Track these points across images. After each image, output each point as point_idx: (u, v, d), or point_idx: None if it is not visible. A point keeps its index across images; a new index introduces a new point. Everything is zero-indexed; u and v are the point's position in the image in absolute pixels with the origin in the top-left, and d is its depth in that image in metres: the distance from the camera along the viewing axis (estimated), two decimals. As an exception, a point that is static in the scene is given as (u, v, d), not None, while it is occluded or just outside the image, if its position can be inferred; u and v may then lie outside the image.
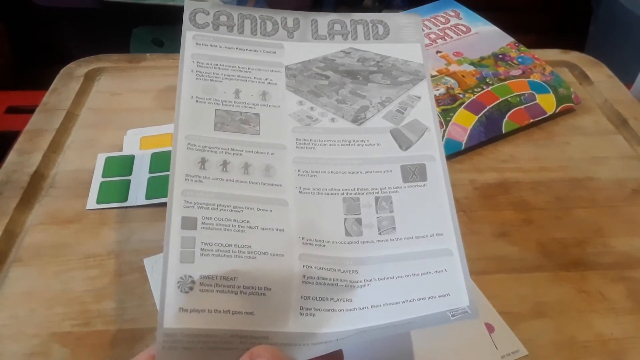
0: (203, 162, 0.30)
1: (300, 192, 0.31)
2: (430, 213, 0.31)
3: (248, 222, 0.29)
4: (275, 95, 0.34)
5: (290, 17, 0.36)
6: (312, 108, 0.34)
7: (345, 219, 0.30)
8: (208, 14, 0.35)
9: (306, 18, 0.37)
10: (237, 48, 0.35)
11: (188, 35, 0.34)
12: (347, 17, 0.37)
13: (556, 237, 0.44)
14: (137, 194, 0.47)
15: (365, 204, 0.31)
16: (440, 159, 0.32)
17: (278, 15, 0.36)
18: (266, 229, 0.29)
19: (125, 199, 0.46)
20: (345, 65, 0.36)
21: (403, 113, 0.34)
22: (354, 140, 0.33)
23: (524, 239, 0.44)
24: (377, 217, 0.31)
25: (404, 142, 0.33)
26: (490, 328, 0.37)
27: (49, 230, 0.43)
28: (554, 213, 0.47)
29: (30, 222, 0.44)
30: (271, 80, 0.34)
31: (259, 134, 0.32)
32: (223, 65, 0.34)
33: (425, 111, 0.34)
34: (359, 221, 0.30)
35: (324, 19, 0.37)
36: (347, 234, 0.30)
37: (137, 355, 0.25)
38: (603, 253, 0.43)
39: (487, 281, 0.40)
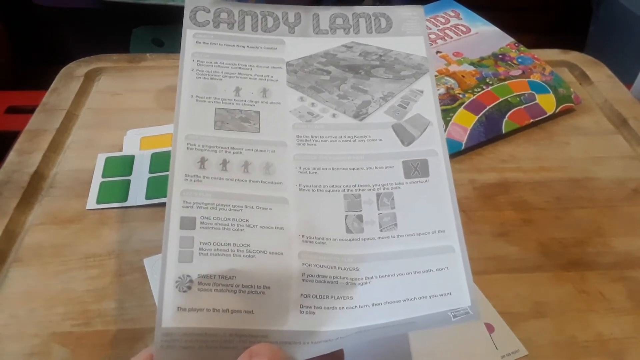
0: (202, 161, 0.30)
1: (300, 189, 0.30)
2: (432, 209, 0.30)
3: (247, 220, 0.29)
4: (276, 92, 0.34)
5: (291, 12, 0.36)
6: (313, 104, 0.34)
7: (346, 215, 0.30)
8: (208, 11, 0.35)
9: (308, 12, 0.36)
10: (237, 45, 0.34)
11: (188, 33, 0.34)
12: (349, 11, 0.37)
13: (556, 237, 0.44)
14: (137, 194, 0.47)
15: (367, 201, 0.31)
16: (442, 154, 0.32)
17: (279, 10, 0.36)
18: (265, 227, 0.29)
19: (125, 199, 0.46)
20: (347, 60, 0.36)
21: (405, 108, 0.33)
22: (355, 136, 0.32)
23: (524, 239, 0.44)
24: (379, 214, 0.30)
25: (406, 138, 0.33)
26: (490, 328, 0.37)
27: (49, 230, 0.43)
28: (554, 213, 0.47)
29: (30, 222, 0.44)
30: (272, 77, 0.34)
31: (259, 132, 0.32)
32: (223, 63, 0.34)
33: (428, 105, 0.33)
34: (360, 218, 0.30)
35: (326, 13, 0.36)
36: (348, 231, 0.30)
37: (137, 354, 0.25)
38: (603, 253, 0.43)
39: (487, 281, 0.40)
